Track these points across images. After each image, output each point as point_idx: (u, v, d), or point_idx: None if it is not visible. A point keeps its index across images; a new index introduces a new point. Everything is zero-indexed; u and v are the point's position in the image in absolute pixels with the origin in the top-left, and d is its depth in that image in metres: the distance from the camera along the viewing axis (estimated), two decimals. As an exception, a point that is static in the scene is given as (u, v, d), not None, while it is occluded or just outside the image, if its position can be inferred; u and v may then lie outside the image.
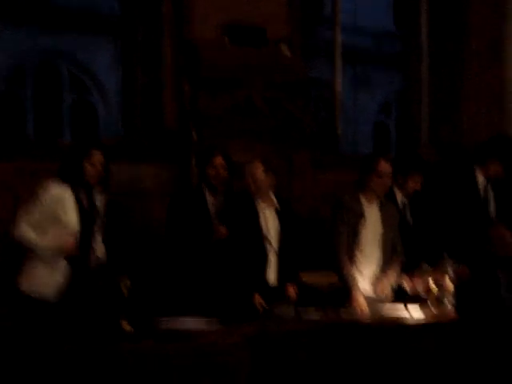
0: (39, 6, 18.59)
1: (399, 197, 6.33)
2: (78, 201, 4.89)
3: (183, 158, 6.56)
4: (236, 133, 6.68)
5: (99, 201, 5.03)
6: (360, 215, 5.84)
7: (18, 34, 18.42)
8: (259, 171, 5.73)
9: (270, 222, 5.75)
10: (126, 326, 4.49)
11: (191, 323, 4.83)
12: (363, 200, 5.89)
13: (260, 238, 5.68)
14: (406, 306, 5.54)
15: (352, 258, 5.82)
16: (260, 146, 6.65)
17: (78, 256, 4.81)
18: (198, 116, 6.54)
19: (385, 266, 5.86)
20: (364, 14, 22.89)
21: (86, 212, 4.91)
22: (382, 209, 5.93)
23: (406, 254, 5.99)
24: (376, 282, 5.84)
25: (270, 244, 5.69)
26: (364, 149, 21.35)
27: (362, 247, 5.85)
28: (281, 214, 5.79)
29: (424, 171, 6.41)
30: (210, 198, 5.77)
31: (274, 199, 5.80)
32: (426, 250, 6.19)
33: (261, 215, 5.73)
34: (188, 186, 6.40)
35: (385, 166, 5.84)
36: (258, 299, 5.52)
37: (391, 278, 5.87)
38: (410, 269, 5.94)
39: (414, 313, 5.44)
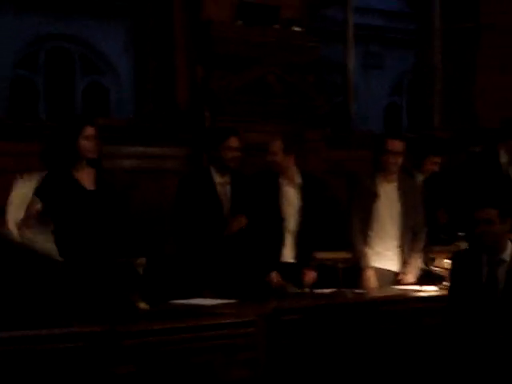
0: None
1: (418, 177, 6.35)
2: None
3: (196, 138, 6.56)
4: (249, 112, 6.68)
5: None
6: (374, 194, 5.85)
7: (30, 20, 18.44)
8: (279, 149, 5.72)
9: (289, 199, 5.75)
10: (142, 304, 4.51)
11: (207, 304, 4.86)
12: (379, 179, 5.90)
13: (277, 215, 5.68)
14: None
15: (367, 237, 5.84)
16: (273, 124, 6.64)
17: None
18: (211, 96, 6.53)
19: (405, 245, 5.88)
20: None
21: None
22: (400, 187, 5.93)
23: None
24: (403, 268, 5.85)
25: (286, 224, 5.70)
26: (376, 128, 21.29)
27: (379, 225, 5.87)
28: (304, 192, 5.78)
29: (442, 153, 6.42)
30: (219, 180, 5.73)
31: (298, 177, 5.79)
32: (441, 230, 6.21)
33: (281, 193, 5.73)
34: (199, 168, 6.37)
35: (394, 145, 5.85)
36: (274, 277, 5.54)
37: (417, 262, 5.89)
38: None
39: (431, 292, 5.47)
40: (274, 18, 6.94)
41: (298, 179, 5.78)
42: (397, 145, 5.87)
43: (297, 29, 7.05)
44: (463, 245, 5.60)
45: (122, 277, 4.69)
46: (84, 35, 19.29)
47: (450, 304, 4.72)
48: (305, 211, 5.75)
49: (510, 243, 4.64)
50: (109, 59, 19.84)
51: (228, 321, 4.37)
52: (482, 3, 8.41)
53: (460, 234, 5.72)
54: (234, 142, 5.70)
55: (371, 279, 5.68)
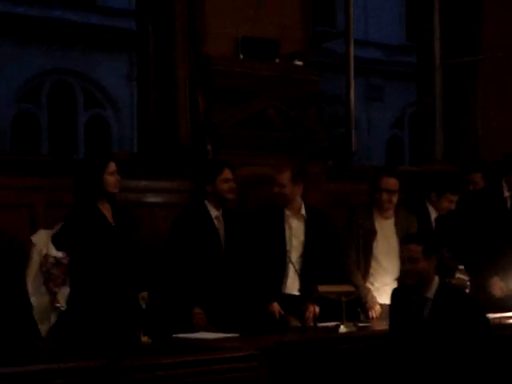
0: (52, 25, 18.72)
1: (433, 213, 6.36)
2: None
3: (197, 172, 6.57)
4: (250, 146, 6.69)
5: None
6: (371, 231, 5.88)
7: (33, 54, 18.56)
8: (287, 180, 5.71)
9: (294, 231, 5.75)
10: (144, 338, 4.50)
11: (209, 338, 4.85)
12: (376, 215, 5.92)
13: (281, 248, 5.67)
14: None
15: (367, 272, 5.86)
16: (274, 158, 6.66)
17: None
18: (212, 130, 6.56)
19: None
20: (375, 27, 22.94)
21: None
22: (397, 223, 5.95)
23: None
24: None
25: (290, 255, 5.69)
26: (378, 161, 21.34)
27: (378, 261, 5.89)
28: (309, 225, 5.77)
29: (459, 191, 6.43)
30: (215, 214, 5.72)
31: (303, 209, 5.79)
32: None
33: (286, 225, 5.72)
34: (195, 202, 6.33)
35: (388, 183, 5.88)
36: (275, 307, 5.52)
37: None
38: None
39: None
40: (275, 52, 6.98)
41: (303, 212, 5.78)
42: (391, 183, 5.89)
43: (298, 63, 7.09)
44: (463, 277, 5.61)
45: (125, 310, 4.71)
46: (86, 69, 19.44)
47: (388, 339, 4.72)
48: (308, 244, 5.74)
49: (436, 279, 4.55)
50: (110, 93, 19.97)
51: (230, 355, 4.35)
52: (482, 37, 8.46)
53: (460, 267, 5.73)
54: (228, 173, 5.72)
55: (375, 308, 5.71)
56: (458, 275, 5.82)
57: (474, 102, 8.50)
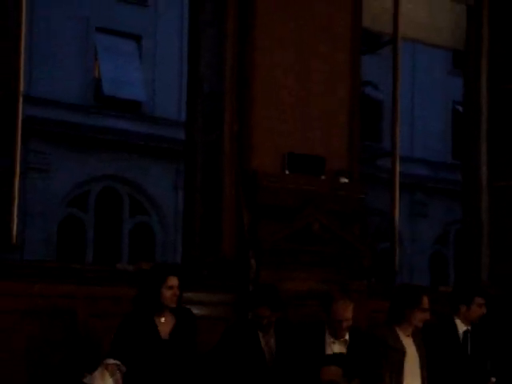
0: (102, 132, 19.17)
1: (461, 327, 6.29)
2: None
3: (241, 287, 6.55)
4: (293, 261, 6.68)
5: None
6: (401, 351, 5.82)
7: (82, 160, 18.96)
8: (349, 312, 5.66)
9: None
10: None
11: None
12: (401, 334, 5.88)
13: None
14: None
15: None
16: (318, 273, 6.63)
17: None
18: (256, 245, 6.57)
19: None
20: (421, 144, 23.10)
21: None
22: (415, 342, 5.92)
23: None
24: None
25: None
26: (420, 277, 21.13)
27: (406, 380, 5.80)
28: (350, 349, 5.69)
29: (486, 297, 6.38)
30: (262, 339, 5.72)
31: (347, 334, 5.72)
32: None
33: (327, 349, 5.65)
34: (244, 319, 6.29)
35: (427, 302, 5.87)
36: None
37: None
38: None
39: None
40: (321, 169, 7.04)
41: (346, 336, 5.71)
42: (428, 302, 5.89)
43: (343, 180, 7.13)
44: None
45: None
46: (133, 176, 19.76)
47: None
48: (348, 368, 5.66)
49: None
50: (156, 200, 20.22)
51: None
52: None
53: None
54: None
55: None
56: None
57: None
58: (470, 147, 8.83)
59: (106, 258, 18.48)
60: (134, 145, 19.59)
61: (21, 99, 6.06)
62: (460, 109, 16.78)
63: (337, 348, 5.68)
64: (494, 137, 8.65)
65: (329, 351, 5.64)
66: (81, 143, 18.96)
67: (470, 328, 6.35)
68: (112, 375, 4.90)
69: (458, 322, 6.35)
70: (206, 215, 7.05)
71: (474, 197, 8.65)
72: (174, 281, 5.27)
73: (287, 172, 6.88)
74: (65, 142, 18.81)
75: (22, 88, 6.09)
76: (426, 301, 5.88)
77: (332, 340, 5.66)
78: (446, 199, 21.94)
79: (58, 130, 18.64)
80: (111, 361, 4.97)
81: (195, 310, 6.35)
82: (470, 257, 8.64)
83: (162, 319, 5.26)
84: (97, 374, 4.95)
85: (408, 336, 5.91)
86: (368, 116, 17.88)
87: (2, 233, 5.86)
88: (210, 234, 6.94)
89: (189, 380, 5.19)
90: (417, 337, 5.97)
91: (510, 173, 8.53)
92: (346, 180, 7.15)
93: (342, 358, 5.59)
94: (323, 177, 7.02)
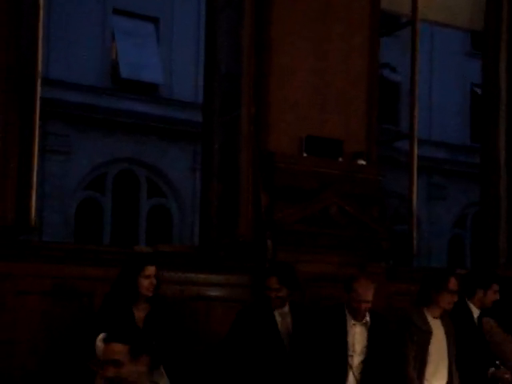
0: (119, 115, 19.19)
1: (475, 311, 6.28)
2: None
3: (258, 268, 6.56)
4: (310, 243, 6.68)
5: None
6: (428, 332, 5.82)
7: (100, 142, 19.01)
8: (370, 293, 5.66)
9: (357, 337, 5.67)
10: None
11: None
12: (428, 316, 5.87)
13: (343, 354, 5.59)
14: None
15: (421, 375, 5.74)
16: (335, 256, 6.63)
17: None
18: (273, 227, 6.57)
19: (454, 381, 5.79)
20: (439, 126, 22.98)
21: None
22: (443, 324, 5.91)
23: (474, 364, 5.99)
24: None
25: (352, 361, 5.60)
26: (438, 261, 21.09)
27: (431, 364, 5.79)
28: (371, 331, 5.69)
29: (501, 283, 6.38)
30: (279, 311, 5.70)
31: (368, 316, 5.72)
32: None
33: (349, 331, 5.65)
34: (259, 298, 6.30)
35: (455, 284, 5.86)
36: None
37: None
38: None
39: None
40: (339, 151, 7.02)
41: (368, 318, 5.71)
42: (456, 284, 5.88)
43: (361, 162, 7.11)
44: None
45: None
46: (151, 159, 19.78)
47: None
48: (371, 349, 5.65)
49: None
50: (174, 183, 20.24)
51: None
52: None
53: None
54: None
55: None
56: None
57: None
58: (489, 130, 8.78)
59: (124, 240, 18.55)
60: (152, 127, 19.59)
61: (39, 81, 6.07)
62: (478, 91, 16.67)
63: (358, 330, 5.68)
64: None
65: (351, 333, 5.64)
66: (98, 126, 18.99)
67: (480, 313, 6.35)
68: None
69: (472, 306, 6.33)
70: (223, 197, 7.05)
71: (492, 179, 8.61)
72: (151, 270, 5.29)
73: (305, 154, 6.86)
74: (82, 124, 18.84)
75: (39, 70, 6.09)
76: (453, 282, 5.87)
77: (353, 322, 5.67)
78: (464, 182, 21.83)
79: (75, 113, 18.67)
80: None
81: (211, 292, 6.38)
82: (488, 240, 8.61)
83: (141, 307, 5.27)
84: None
85: (436, 318, 5.90)
86: (386, 98, 17.81)
87: (21, 215, 5.88)
88: (227, 216, 6.94)
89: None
90: (445, 319, 5.95)
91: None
92: (364, 162, 7.13)
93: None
94: (341, 159, 7.00)
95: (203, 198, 7.38)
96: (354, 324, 5.67)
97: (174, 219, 20.39)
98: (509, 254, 8.42)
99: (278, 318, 5.68)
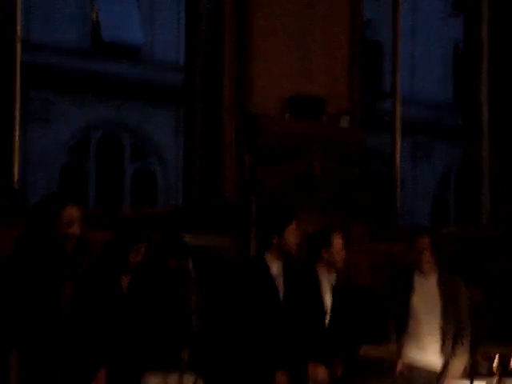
0: (101, 77, 19.06)
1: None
2: None
3: (243, 229, 6.58)
4: (294, 204, 6.69)
5: None
6: (411, 288, 5.80)
7: (83, 106, 18.90)
8: (340, 245, 5.66)
9: (326, 295, 5.69)
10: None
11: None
12: (417, 273, 5.86)
13: (320, 309, 5.61)
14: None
15: (406, 331, 5.75)
16: (318, 216, 6.65)
17: None
18: (258, 187, 6.58)
19: (450, 340, 5.75)
20: (422, 85, 22.97)
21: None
22: (441, 283, 5.86)
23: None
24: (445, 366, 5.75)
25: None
26: (422, 220, 21.19)
27: (417, 320, 5.78)
28: (336, 290, 5.70)
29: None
30: (274, 267, 5.57)
31: (334, 273, 5.73)
32: None
33: (322, 288, 5.67)
34: (247, 258, 6.32)
35: (420, 241, 5.82)
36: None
37: (460, 362, 5.76)
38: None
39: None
40: (321, 111, 7.01)
41: (334, 276, 5.72)
42: (423, 241, 5.83)
43: (344, 123, 7.11)
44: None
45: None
46: (134, 122, 19.71)
47: None
48: (335, 308, 5.67)
49: None
50: (157, 145, 20.19)
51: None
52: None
53: None
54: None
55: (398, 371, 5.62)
56: None
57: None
58: (471, 88, 8.80)
59: (108, 203, 18.53)
60: (134, 90, 19.48)
61: (19, 45, 6.03)
62: (461, 50, 16.70)
63: (325, 286, 5.67)
64: (495, 78, 8.61)
65: (324, 285, 5.64)
66: (81, 89, 18.85)
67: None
68: None
69: None
70: (206, 159, 7.05)
71: (475, 138, 8.65)
72: (143, 246, 4.99)
73: (288, 115, 6.86)
74: (64, 88, 18.70)
75: (19, 33, 6.04)
76: (419, 241, 5.79)
77: (323, 277, 5.68)
78: (448, 141, 21.87)
79: (57, 76, 18.53)
80: None
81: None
82: (471, 199, 8.66)
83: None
84: None
85: (428, 276, 5.79)
86: (368, 58, 17.78)
87: (4, 179, 5.87)
88: (211, 178, 6.95)
89: None
90: (446, 280, 5.88)
91: (510, 114, 8.52)
92: (347, 123, 7.14)
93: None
94: (324, 119, 7.00)
95: (186, 161, 7.37)
96: (326, 279, 5.68)
97: (159, 182, 20.38)
98: (492, 212, 8.48)
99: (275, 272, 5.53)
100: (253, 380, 4.97)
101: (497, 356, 5.50)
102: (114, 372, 4.62)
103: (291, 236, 5.21)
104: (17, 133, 5.94)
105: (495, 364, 5.46)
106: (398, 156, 8.18)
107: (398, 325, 5.76)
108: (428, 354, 5.69)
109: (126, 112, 19.52)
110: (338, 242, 5.68)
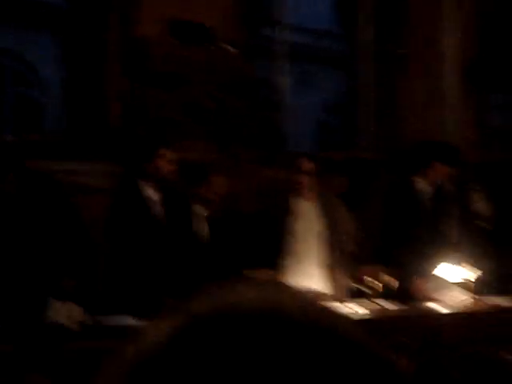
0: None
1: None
2: None
3: (128, 155, 6.51)
4: (182, 131, 6.67)
5: None
6: (292, 213, 5.85)
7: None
8: (224, 183, 5.66)
9: (201, 225, 5.71)
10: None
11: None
12: (298, 198, 5.90)
13: (195, 239, 5.64)
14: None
15: (288, 255, 5.83)
16: (207, 144, 6.65)
17: None
18: (144, 113, 6.51)
19: (331, 263, 5.88)
20: (308, 13, 23.00)
21: None
22: (322, 207, 5.93)
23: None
24: (328, 285, 5.85)
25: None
26: (308, 147, 21.45)
27: (298, 244, 5.84)
28: (210, 220, 5.74)
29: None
30: (151, 194, 5.58)
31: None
32: None
33: (194, 219, 5.69)
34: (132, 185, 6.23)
35: (301, 166, 5.87)
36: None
37: (342, 281, 5.89)
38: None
39: (358, 309, 5.50)
40: (205, 37, 6.95)
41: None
42: (303, 166, 5.88)
43: (231, 49, 7.08)
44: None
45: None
46: (14, 47, 19.06)
47: None
48: (212, 238, 5.73)
49: None
50: (39, 71, 19.63)
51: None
52: (408, 32, 8.55)
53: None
54: (169, 153, 5.48)
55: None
56: None
57: (398, 93, 8.58)
58: (354, 14, 8.88)
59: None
60: (14, 13, 18.80)
61: None
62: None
63: (202, 217, 5.70)
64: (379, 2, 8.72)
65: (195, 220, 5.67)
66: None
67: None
68: None
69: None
70: (90, 85, 6.91)
71: (359, 64, 8.75)
72: None
73: (175, 41, 6.77)
74: None
75: None
76: (300, 163, 5.88)
77: (200, 208, 5.71)
78: (333, 69, 22.07)
79: None
80: None
81: (81, 180, 6.29)
82: (353, 124, 8.81)
83: None
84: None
85: (308, 201, 5.86)
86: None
87: None
88: (96, 104, 6.83)
89: None
90: (328, 205, 5.96)
91: (395, 39, 8.64)
92: (234, 50, 7.11)
93: None
94: (211, 46, 6.94)
95: (69, 88, 7.22)
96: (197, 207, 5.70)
97: (44, 110, 19.88)
98: (373, 137, 8.64)
99: (151, 200, 5.55)
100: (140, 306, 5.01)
101: (370, 278, 5.69)
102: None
103: (162, 163, 5.28)
104: None
105: (371, 285, 5.64)
106: (283, 83, 8.22)
107: (280, 250, 5.84)
108: (310, 278, 5.79)
109: (5, 35, 18.86)
110: (215, 181, 5.70)
